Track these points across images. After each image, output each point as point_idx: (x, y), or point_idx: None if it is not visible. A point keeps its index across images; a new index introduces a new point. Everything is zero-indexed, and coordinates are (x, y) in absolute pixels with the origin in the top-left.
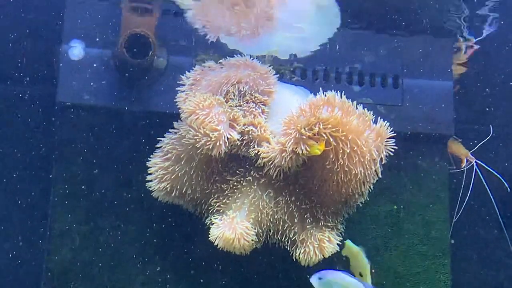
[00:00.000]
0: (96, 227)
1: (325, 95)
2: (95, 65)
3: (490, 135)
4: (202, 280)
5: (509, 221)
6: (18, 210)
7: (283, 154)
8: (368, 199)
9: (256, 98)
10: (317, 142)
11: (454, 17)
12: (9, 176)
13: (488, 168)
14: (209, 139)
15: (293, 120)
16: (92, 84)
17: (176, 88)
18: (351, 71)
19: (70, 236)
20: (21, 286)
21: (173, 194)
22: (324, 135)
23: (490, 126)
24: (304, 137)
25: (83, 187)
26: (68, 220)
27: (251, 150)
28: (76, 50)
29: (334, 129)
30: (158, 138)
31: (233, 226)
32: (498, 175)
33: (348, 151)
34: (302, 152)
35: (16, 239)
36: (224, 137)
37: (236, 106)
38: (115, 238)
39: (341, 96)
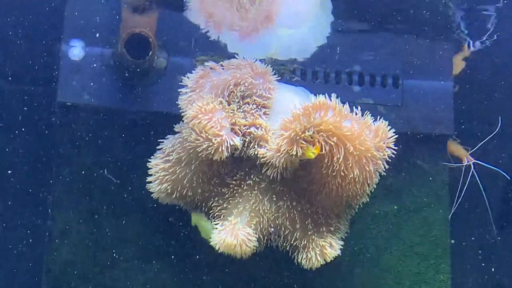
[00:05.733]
0: (96, 227)
1: (318, 100)
2: (95, 65)
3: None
4: (202, 281)
5: (509, 219)
6: (18, 210)
7: (277, 154)
8: (368, 199)
9: (257, 100)
10: (312, 146)
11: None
12: (9, 176)
13: (487, 166)
14: (211, 144)
15: (287, 124)
16: (92, 84)
17: (178, 90)
18: (351, 71)
19: (70, 236)
20: (21, 286)
21: (173, 196)
22: (317, 139)
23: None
24: (298, 138)
25: (83, 187)
26: (68, 220)
27: (251, 150)
28: (76, 50)
29: (327, 134)
30: (158, 139)
31: (234, 233)
32: (497, 169)
33: (342, 155)
34: (296, 154)
35: (16, 239)
36: (227, 142)
37: (237, 108)
38: (115, 238)
39: (336, 98)
